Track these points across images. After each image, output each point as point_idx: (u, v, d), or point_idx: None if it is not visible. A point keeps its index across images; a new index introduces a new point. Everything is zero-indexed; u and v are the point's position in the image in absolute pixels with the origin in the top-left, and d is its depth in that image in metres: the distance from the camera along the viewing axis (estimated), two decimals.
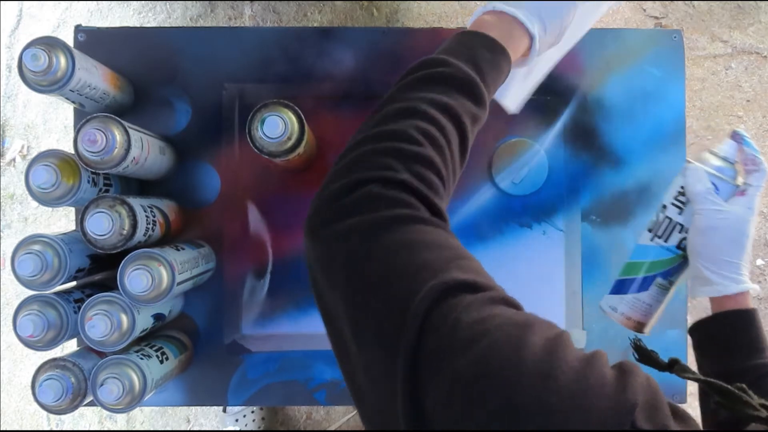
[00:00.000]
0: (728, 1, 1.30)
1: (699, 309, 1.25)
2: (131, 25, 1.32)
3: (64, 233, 0.63)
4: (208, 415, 1.24)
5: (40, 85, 0.59)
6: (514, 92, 0.61)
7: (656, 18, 1.30)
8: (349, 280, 0.37)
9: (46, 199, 0.60)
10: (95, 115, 0.60)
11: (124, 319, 0.60)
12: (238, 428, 1.19)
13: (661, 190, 0.77)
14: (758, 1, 1.30)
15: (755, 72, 1.29)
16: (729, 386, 0.39)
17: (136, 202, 0.62)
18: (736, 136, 0.53)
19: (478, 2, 1.29)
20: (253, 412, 1.20)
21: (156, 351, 0.66)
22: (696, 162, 0.54)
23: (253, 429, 1.21)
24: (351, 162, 0.41)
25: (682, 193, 0.54)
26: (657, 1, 1.30)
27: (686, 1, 1.30)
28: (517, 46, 0.50)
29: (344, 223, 0.38)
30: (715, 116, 1.28)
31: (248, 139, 0.62)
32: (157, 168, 0.69)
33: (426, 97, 0.44)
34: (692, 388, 1.27)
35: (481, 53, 0.48)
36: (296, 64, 0.76)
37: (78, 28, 0.75)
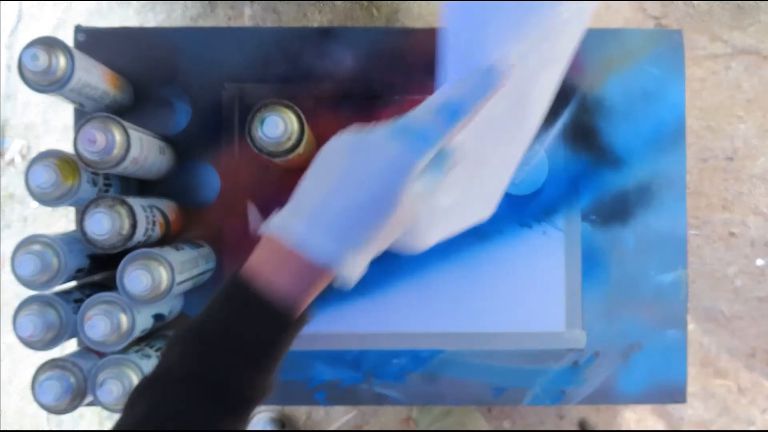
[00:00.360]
0: (728, 1, 1.30)
1: (699, 309, 1.25)
2: (131, 25, 1.32)
3: (64, 233, 0.63)
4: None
5: (40, 85, 0.59)
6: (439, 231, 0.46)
7: (656, 18, 1.30)
8: None
9: (46, 199, 0.60)
10: (95, 115, 0.60)
11: (124, 319, 0.60)
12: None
13: (661, 190, 0.77)
14: (758, 1, 1.30)
15: (755, 72, 1.29)
16: None
17: (136, 202, 0.62)
18: None
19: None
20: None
21: (156, 351, 0.66)
22: None
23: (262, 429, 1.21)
24: None
25: None
26: (657, 1, 1.30)
27: (686, 1, 1.30)
28: (315, 284, 0.38)
29: None
30: (715, 116, 1.28)
31: (248, 139, 0.62)
32: (156, 168, 0.69)
33: (143, 412, 0.36)
34: (692, 388, 1.27)
35: (237, 324, 0.38)
36: (296, 64, 0.76)
37: (78, 28, 0.75)
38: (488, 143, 0.42)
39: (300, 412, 1.27)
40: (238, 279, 0.39)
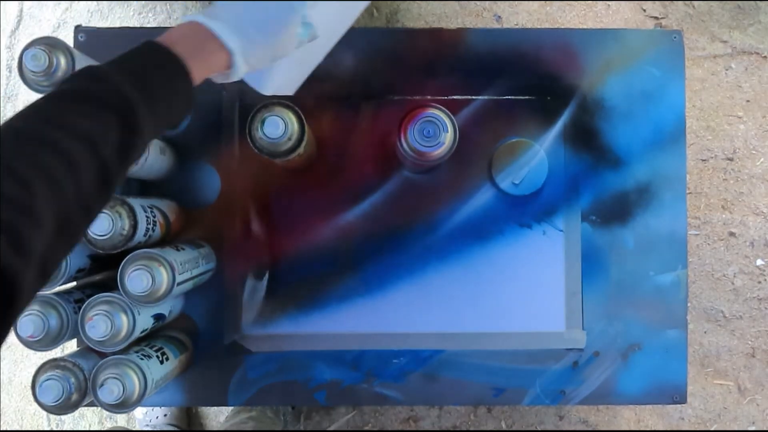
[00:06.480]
0: (728, 1, 1.30)
1: (699, 309, 1.25)
2: (131, 25, 1.32)
3: None
4: (208, 415, 1.25)
5: (41, 86, 0.59)
6: (280, 81, 0.62)
7: (656, 18, 1.30)
8: None
9: None
10: None
11: (124, 319, 0.60)
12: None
13: (661, 190, 0.77)
14: (758, 1, 1.30)
15: (755, 72, 1.29)
16: None
17: (136, 203, 0.62)
18: None
19: (478, 2, 1.29)
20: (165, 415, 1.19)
21: (156, 351, 0.66)
22: None
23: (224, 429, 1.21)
24: None
25: None
26: (657, 1, 1.30)
27: (686, 1, 1.30)
28: (211, 60, 0.48)
29: None
30: (714, 116, 1.28)
31: (248, 139, 0.62)
32: (157, 168, 0.69)
33: (62, 118, 0.39)
34: (692, 388, 1.27)
35: (153, 73, 0.44)
36: None
37: (78, 29, 0.75)
38: (325, 36, 0.60)
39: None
40: (149, 41, 0.47)
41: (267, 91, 0.61)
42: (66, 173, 0.38)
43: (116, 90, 0.41)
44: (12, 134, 0.38)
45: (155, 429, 1.19)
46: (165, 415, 1.18)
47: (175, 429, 1.18)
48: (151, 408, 1.18)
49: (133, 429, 1.20)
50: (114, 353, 0.62)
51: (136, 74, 0.43)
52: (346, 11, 0.64)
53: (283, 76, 0.62)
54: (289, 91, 0.64)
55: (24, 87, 0.60)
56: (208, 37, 0.48)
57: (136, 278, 0.59)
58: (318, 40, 0.59)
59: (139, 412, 1.20)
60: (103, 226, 0.58)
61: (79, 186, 0.39)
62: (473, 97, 0.77)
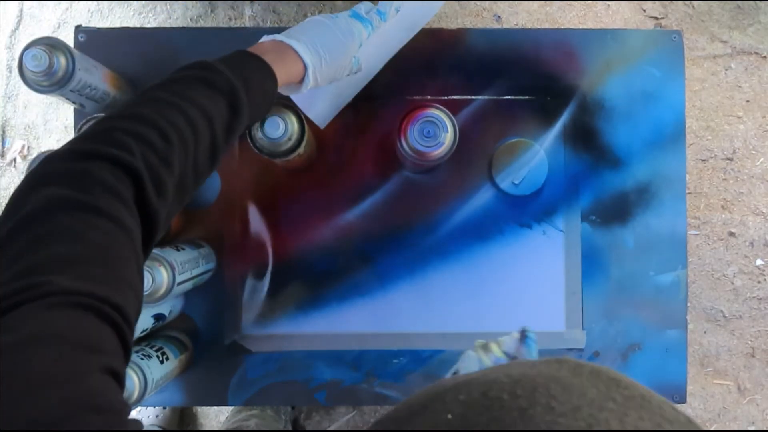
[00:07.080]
0: (728, 1, 1.30)
1: (698, 309, 1.25)
2: (131, 25, 1.32)
3: None
4: (209, 415, 1.25)
5: (41, 86, 0.59)
6: (321, 108, 0.71)
7: (656, 18, 1.30)
8: None
9: None
10: (95, 115, 0.60)
11: None
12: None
13: (661, 191, 0.77)
14: (758, 1, 1.30)
15: (755, 72, 1.29)
16: None
17: None
18: (522, 335, 0.53)
19: (478, 2, 1.29)
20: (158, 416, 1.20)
21: (156, 351, 0.66)
22: (479, 348, 0.53)
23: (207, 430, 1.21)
24: (91, 132, 0.41)
25: (455, 373, 0.52)
26: (657, 1, 1.30)
27: (686, 2, 1.30)
28: (291, 70, 0.56)
29: (48, 190, 0.36)
30: (714, 116, 1.28)
31: (248, 139, 0.62)
32: None
33: (188, 94, 0.46)
34: (692, 388, 1.26)
35: (251, 72, 0.52)
36: None
37: (78, 29, 0.75)
38: (363, 72, 0.69)
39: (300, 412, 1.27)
40: (241, 50, 0.54)
41: (309, 114, 0.69)
42: (192, 137, 0.44)
43: (227, 79, 0.48)
44: (150, 99, 0.45)
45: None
46: (157, 416, 1.19)
47: (159, 430, 1.18)
48: (144, 407, 1.19)
49: None
50: None
51: (239, 70, 0.50)
52: (382, 54, 0.72)
53: (323, 105, 0.71)
54: (322, 122, 0.72)
55: (24, 87, 0.60)
56: (288, 52, 0.56)
57: None
58: (353, 78, 0.68)
59: (134, 410, 1.20)
60: None
61: (198, 151, 0.45)
62: (473, 97, 0.77)
